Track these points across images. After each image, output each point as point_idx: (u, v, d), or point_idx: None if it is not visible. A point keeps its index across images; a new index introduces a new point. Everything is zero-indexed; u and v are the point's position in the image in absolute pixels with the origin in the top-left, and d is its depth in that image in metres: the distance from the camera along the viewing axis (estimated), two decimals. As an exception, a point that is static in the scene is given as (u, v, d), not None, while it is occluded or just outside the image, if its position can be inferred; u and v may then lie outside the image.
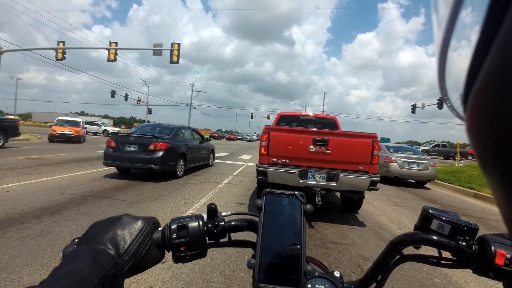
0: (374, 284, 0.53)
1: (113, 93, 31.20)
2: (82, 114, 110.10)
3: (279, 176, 4.12)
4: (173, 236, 0.48)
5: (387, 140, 33.19)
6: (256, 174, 4.29)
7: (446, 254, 0.50)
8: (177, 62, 17.04)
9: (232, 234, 0.57)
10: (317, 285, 0.48)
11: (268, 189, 0.57)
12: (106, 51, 17.39)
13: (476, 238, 0.48)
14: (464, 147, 30.62)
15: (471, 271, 0.47)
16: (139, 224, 0.45)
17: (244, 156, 15.01)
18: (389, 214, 5.09)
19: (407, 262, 0.52)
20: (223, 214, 0.57)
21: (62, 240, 2.94)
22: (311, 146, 4.05)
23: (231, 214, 0.60)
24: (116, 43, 17.57)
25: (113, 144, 6.69)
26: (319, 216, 4.42)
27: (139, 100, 38.87)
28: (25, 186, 5.15)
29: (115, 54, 17.40)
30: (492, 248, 0.44)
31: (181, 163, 7.31)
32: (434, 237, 0.49)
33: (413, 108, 27.52)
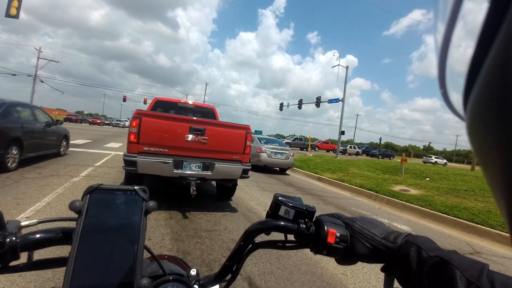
0: (230, 275, 0.52)
1: None
2: None
3: (152, 166, 3.77)
4: None
5: (260, 132, 37.29)
6: (124, 165, 3.76)
7: (291, 237, 0.53)
8: (16, 16, 12.59)
9: (37, 251, 0.40)
10: None
11: (96, 184, 0.43)
12: None
13: (313, 219, 0.52)
14: (313, 141, 38.66)
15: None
16: None
17: (112, 144, 13.00)
18: (257, 198, 5.69)
19: (259, 248, 0.53)
20: (24, 223, 0.40)
21: None
22: (188, 135, 3.93)
23: (38, 223, 0.42)
24: None
25: None
26: (194, 206, 4.39)
27: None
28: None
29: None
30: (325, 228, 0.48)
31: (14, 151, 5.47)
32: (281, 223, 0.52)
33: (281, 106, 32.09)
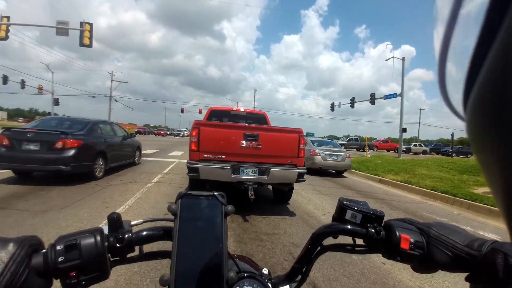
0: (300, 276, 0.54)
1: (5, 79, 25.41)
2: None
3: (212, 172, 4.04)
4: (60, 259, 0.38)
5: (312, 134, 36.49)
6: (187, 171, 4.11)
7: (359, 241, 0.53)
8: (90, 45, 14.89)
9: (146, 245, 0.50)
10: (245, 287, 0.47)
11: (184, 191, 0.51)
12: (-7, 26, 13.94)
13: (382, 224, 0.52)
14: (370, 140, 36.11)
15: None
16: (9, 248, 0.35)
17: (175, 153, 14.27)
18: (315, 202, 5.58)
19: (327, 251, 0.54)
20: (133, 223, 0.50)
21: None
22: (243, 141, 4.10)
23: (143, 222, 0.52)
24: (8, 17, 14.28)
25: (5, 142, 5.41)
26: (253, 210, 4.54)
27: (40, 88, 32.62)
28: None
29: (7, 30, 14.13)
30: (397, 233, 0.47)
31: (101, 162, 6.46)
32: (348, 227, 0.52)
33: (332, 106, 30.89)
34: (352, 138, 35.52)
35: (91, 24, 14.70)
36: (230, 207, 0.51)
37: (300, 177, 4.27)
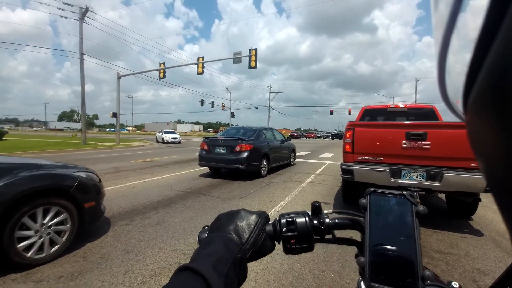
0: None
1: (201, 102, 35.18)
2: (179, 122, 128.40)
3: (367, 174, 3.84)
4: (284, 229, 0.53)
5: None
6: (341, 173, 4.11)
7: None
8: (255, 66, 17.89)
9: (335, 231, 0.58)
10: None
11: (372, 188, 0.56)
12: (195, 66, 19.77)
13: None
14: None
15: None
16: (254, 217, 0.52)
17: (325, 155, 14.53)
18: (518, 222, 4.05)
19: None
20: (325, 212, 0.59)
21: (173, 228, 3.52)
22: (404, 141, 3.62)
23: (333, 212, 0.62)
24: (202, 57, 19.76)
25: (205, 147, 7.57)
26: (421, 221, 3.89)
27: (223, 106, 42.57)
28: (145, 183, 6.38)
29: (203, 67, 19.58)
30: None
31: (265, 162, 7.66)
32: None
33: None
34: None
35: (256, 50, 17.75)
36: (422, 207, 0.50)
37: (491, 186, 3.24)
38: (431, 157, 3.53)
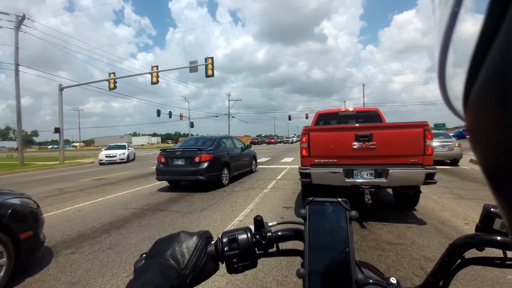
0: None
1: (158, 112, 33.77)
2: (134, 134, 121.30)
3: (324, 176, 4.01)
4: (225, 248, 0.51)
5: (442, 126, 30.06)
6: (300, 177, 4.24)
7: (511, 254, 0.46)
8: (212, 75, 17.81)
9: (280, 243, 0.58)
10: None
11: (311, 198, 0.57)
12: (149, 75, 18.96)
13: None
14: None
15: None
16: (194, 239, 0.50)
17: (286, 159, 14.93)
18: (453, 208, 4.58)
19: (470, 265, 0.49)
20: (269, 224, 0.59)
21: (128, 251, 3.25)
22: (354, 143, 3.88)
23: (277, 224, 0.61)
24: (157, 66, 19.08)
25: (162, 160, 7.23)
26: (371, 215, 4.18)
27: (181, 116, 41.39)
28: (94, 204, 5.84)
29: (157, 76, 18.86)
30: None
31: (226, 172, 7.57)
32: (498, 238, 0.46)
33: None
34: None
35: (212, 58, 17.67)
36: (354, 213, 0.53)
37: (429, 178, 3.62)
38: (377, 156, 3.83)
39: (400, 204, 4.68)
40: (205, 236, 0.52)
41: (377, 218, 4.12)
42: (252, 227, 0.56)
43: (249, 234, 0.53)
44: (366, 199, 3.67)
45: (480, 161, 0.18)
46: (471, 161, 10.97)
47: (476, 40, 0.16)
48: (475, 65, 0.17)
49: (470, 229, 3.47)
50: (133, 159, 19.84)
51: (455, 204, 4.86)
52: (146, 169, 12.50)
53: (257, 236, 0.54)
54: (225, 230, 0.55)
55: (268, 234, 0.54)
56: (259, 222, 0.55)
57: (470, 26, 0.17)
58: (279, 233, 0.57)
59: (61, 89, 19.62)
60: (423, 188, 4.27)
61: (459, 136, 30.98)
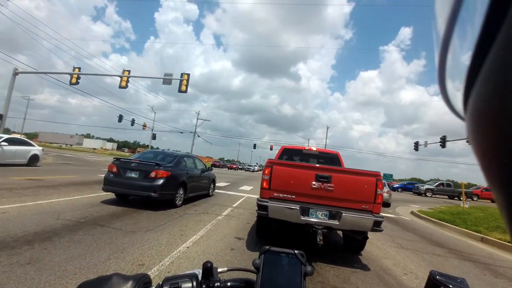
0: None
1: (120, 118, 31.91)
2: (87, 136, 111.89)
3: (280, 211, 4.01)
4: None
5: (390, 176, 32.81)
6: (257, 209, 4.18)
7: None
8: (185, 91, 17.60)
9: None
10: None
11: (267, 247, 0.55)
12: (119, 78, 18.13)
13: None
14: (469, 187, 30.07)
15: None
16: (129, 285, 0.43)
17: (245, 187, 14.81)
18: (394, 257, 4.84)
19: None
20: (219, 270, 0.56)
21: (50, 270, 2.80)
22: (314, 182, 4.00)
23: (228, 270, 0.58)
24: (129, 71, 18.37)
25: (114, 169, 6.67)
26: (320, 256, 4.22)
27: (144, 126, 39.55)
28: (21, 208, 5.06)
29: (127, 81, 18.09)
30: None
31: (181, 192, 7.20)
32: None
33: (416, 145, 27.60)
34: (443, 183, 29.78)
35: (188, 74, 17.58)
36: (309, 268, 0.52)
37: (376, 226, 3.82)
38: (333, 198, 3.98)
39: (348, 248, 4.83)
40: (143, 282, 0.45)
41: (326, 259, 4.16)
42: (200, 273, 0.51)
43: (194, 283, 0.48)
44: (318, 239, 3.72)
45: (480, 161, 0.18)
46: (412, 213, 11.96)
47: (476, 41, 0.16)
48: (475, 65, 0.17)
49: (408, 280, 3.66)
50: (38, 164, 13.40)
51: (395, 252, 5.15)
52: (93, 176, 11.39)
53: (203, 286, 0.50)
54: (167, 276, 0.50)
55: (216, 284, 0.50)
56: (208, 269, 0.51)
57: (470, 26, 0.17)
58: (228, 284, 0.53)
59: (16, 73, 17.70)
60: (370, 235, 4.47)
61: (403, 188, 34.18)
